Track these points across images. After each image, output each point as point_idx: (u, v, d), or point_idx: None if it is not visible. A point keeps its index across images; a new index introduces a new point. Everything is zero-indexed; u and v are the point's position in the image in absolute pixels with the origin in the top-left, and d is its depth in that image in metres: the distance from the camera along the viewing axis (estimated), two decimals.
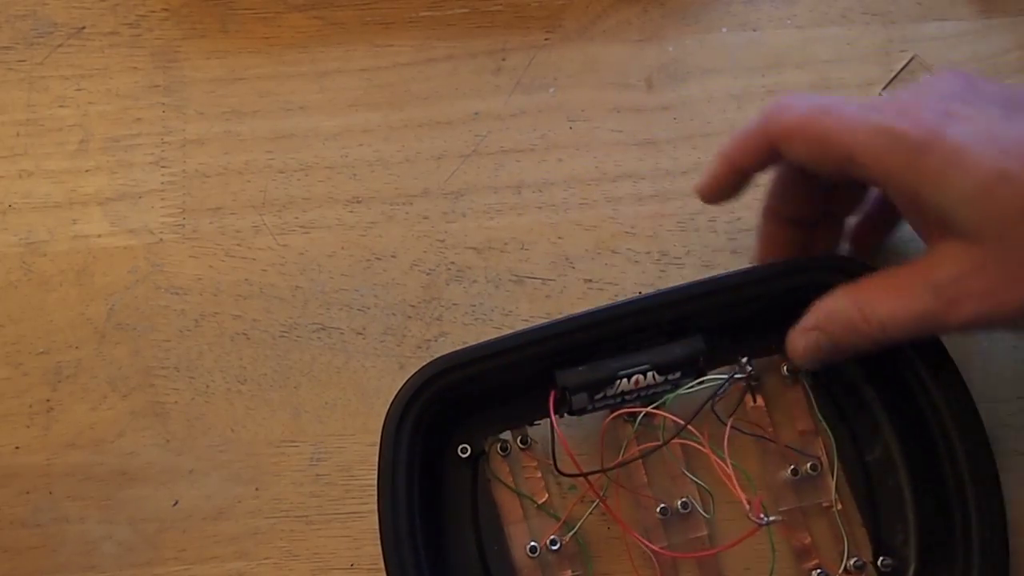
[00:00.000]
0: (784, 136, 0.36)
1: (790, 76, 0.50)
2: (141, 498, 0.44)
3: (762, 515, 0.37)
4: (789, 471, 0.42)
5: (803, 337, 0.38)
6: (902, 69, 0.50)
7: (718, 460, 0.38)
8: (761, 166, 0.38)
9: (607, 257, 0.47)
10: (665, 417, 0.41)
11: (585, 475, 0.40)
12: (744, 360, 0.40)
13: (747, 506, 0.37)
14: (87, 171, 0.48)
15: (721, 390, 0.40)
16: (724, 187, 0.39)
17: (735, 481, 0.37)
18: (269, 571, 0.43)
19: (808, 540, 0.41)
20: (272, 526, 0.43)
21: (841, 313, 0.37)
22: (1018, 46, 0.50)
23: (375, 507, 0.38)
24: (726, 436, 0.39)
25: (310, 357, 0.45)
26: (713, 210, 0.47)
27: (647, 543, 0.40)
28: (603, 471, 0.40)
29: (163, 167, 0.48)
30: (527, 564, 0.41)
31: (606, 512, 0.42)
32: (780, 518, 0.41)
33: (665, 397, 0.40)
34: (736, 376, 0.41)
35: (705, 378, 0.40)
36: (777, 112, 0.37)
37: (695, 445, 0.39)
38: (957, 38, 0.50)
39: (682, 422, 0.39)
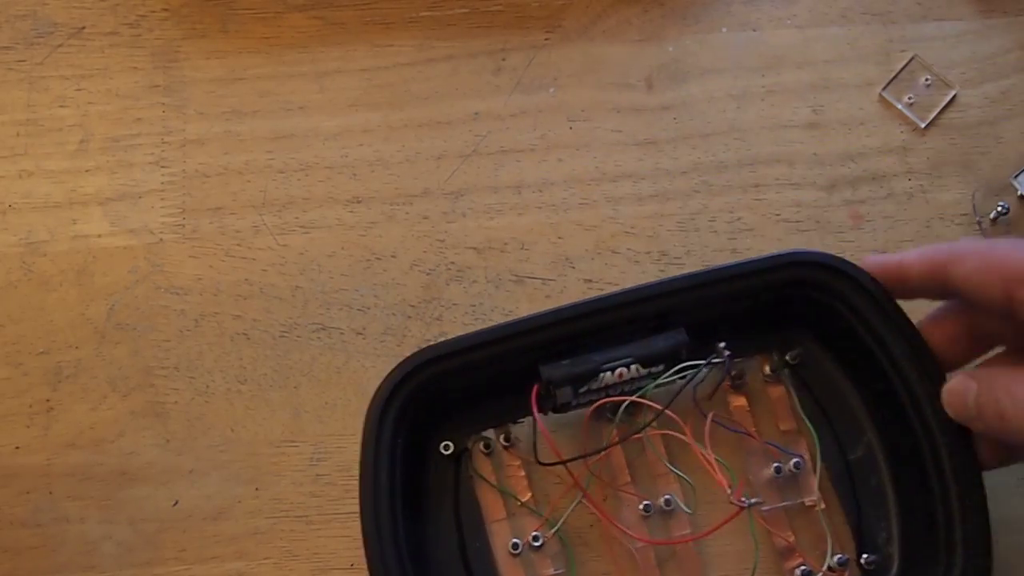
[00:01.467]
0: (956, 256, 0.37)
1: (790, 76, 0.50)
2: (141, 498, 0.43)
3: (743, 498, 0.38)
4: (772, 469, 0.42)
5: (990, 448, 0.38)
6: (902, 69, 0.50)
7: (698, 448, 0.38)
8: (920, 281, 0.38)
9: (607, 257, 0.47)
10: (647, 409, 0.41)
11: (565, 462, 0.40)
12: (722, 345, 0.40)
13: (728, 490, 0.37)
14: (87, 171, 0.48)
15: (700, 374, 0.40)
16: (883, 276, 0.40)
17: (715, 467, 0.37)
18: (269, 571, 0.43)
19: (791, 539, 0.41)
20: (272, 526, 0.43)
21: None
22: (1018, 46, 0.50)
23: None
24: (707, 425, 0.39)
25: (310, 357, 0.45)
26: (713, 210, 0.47)
27: (627, 531, 0.40)
28: (584, 456, 0.40)
29: (163, 167, 0.48)
30: (509, 562, 0.41)
31: (588, 508, 0.41)
32: (761, 499, 0.41)
33: (645, 388, 0.40)
34: (714, 360, 0.40)
35: (684, 364, 0.40)
36: (955, 243, 0.38)
37: (678, 435, 0.39)
38: (957, 38, 0.50)
39: (660, 407, 0.39)
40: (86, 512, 0.43)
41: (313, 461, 0.44)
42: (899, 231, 0.47)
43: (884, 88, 0.49)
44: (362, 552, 0.43)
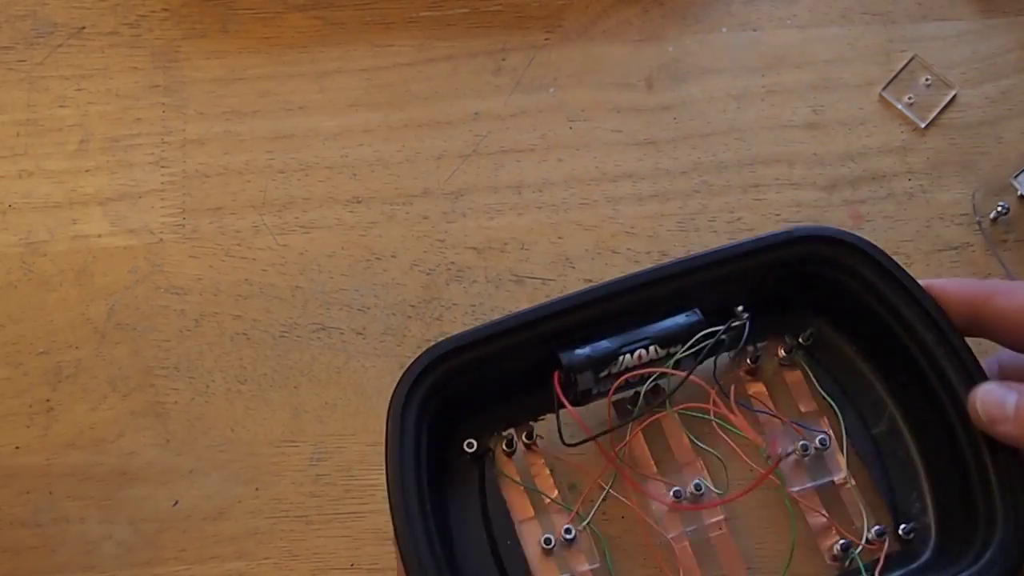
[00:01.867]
0: (1001, 291, 0.37)
1: (790, 76, 0.50)
2: (141, 498, 0.43)
3: (780, 449, 0.38)
4: (800, 448, 0.41)
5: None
6: (902, 69, 0.50)
7: (728, 412, 0.38)
8: (948, 309, 0.38)
9: (607, 257, 0.47)
10: (668, 391, 0.41)
11: (595, 437, 0.39)
12: (739, 308, 0.40)
13: (762, 445, 0.38)
14: (87, 171, 0.48)
15: (721, 334, 0.39)
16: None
17: (748, 429, 0.37)
18: (269, 571, 0.43)
19: (826, 517, 0.41)
20: (272, 526, 0.43)
21: None
22: (1018, 46, 0.50)
23: (375, 507, 0.38)
24: (732, 392, 0.39)
25: (310, 357, 0.45)
26: (713, 210, 0.47)
27: (664, 501, 0.40)
28: (610, 431, 0.40)
29: (163, 167, 0.48)
30: (543, 560, 0.40)
31: (618, 503, 0.41)
32: (795, 452, 0.41)
33: (666, 364, 0.40)
34: (733, 324, 0.40)
35: (702, 333, 0.39)
36: (993, 280, 0.38)
37: (702, 407, 0.39)
38: (957, 38, 0.50)
39: (684, 374, 0.39)
40: (86, 512, 0.43)
41: (313, 461, 0.44)
42: (899, 231, 0.47)
43: (884, 88, 0.49)
44: (362, 552, 0.43)
